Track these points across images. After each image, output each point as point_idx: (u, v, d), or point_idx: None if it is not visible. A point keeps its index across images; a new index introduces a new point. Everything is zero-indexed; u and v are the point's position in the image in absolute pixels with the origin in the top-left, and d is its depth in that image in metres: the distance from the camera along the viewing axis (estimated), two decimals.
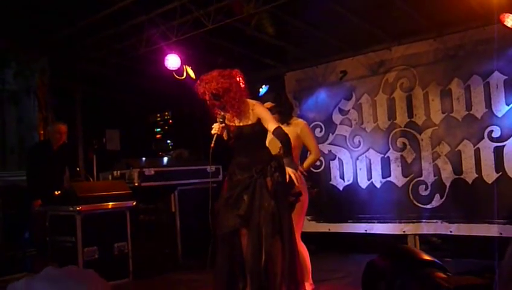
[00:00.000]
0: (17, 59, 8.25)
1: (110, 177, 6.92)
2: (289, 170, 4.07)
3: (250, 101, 4.23)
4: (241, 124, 4.19)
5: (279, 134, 4.18)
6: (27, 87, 8.53)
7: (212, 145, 4.09)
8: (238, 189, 4.11)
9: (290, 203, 4.29)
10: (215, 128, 4.14)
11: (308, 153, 4.98)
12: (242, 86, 4.20)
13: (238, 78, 4.19)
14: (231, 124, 4.22)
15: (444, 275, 1.97)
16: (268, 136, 4.38)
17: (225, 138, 4.17)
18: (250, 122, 4.17)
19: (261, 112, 4.19)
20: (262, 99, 4.66)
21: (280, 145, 4.23)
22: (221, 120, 4.16)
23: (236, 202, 4.11)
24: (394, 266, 0.70)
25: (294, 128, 4.77)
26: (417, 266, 0.72)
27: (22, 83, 8.54)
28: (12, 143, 8.04)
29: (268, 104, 4.65)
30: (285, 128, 4.54)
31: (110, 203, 6.05)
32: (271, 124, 4.18)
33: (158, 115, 8.95)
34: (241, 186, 4.10)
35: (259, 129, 4.19)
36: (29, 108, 8.32)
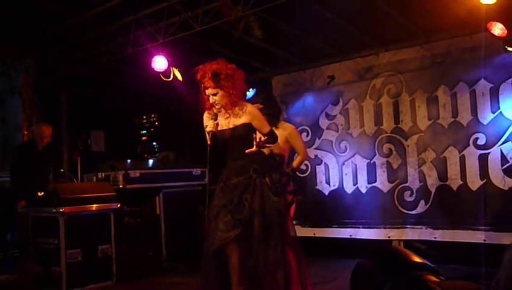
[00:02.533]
0: (2, 59, 8.15)
1: (94, 178, 6.84)
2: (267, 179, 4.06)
3: (243, 102, 4.22)
4: (232, 126, 4.16)
5: (272, 137, 4.17)
6: (11, 88, 8.42)
7: (208, 142, 4.04)
8: (237, 191, 4.03)
9: (290, 200, 4.28)
10: (210, 125, 4.10)
11: (295, 155, 5.00)
12: (242, 85, 4.19)
13: (241, 77, 4.19)
14: (222, 128, 4.17)
15: (436, 279, 1.93)
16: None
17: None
18: (242, 122, 4.14)
19: (254, 113, 4.16)
20: (250, 101, 4.64)
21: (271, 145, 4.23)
22: (213, 117, 4.12)
23: (237, 206, 4.02)
24: (384, 268, 0.68)
25: (283, 132, 4.78)
26: (408, 268, 0.70)
27: (6, 83, 8.43)
28: None
29: (258, 106, 4.64)
30: (275, 131, 4.54)
31: (94, 205, 5.99)
32: (264, 128, 4.17)
33: (144, 117, 8.88)
34: (241, 188, 4.02)
35: (250, 129, 4.16)
36: (13, 109, 8.21)
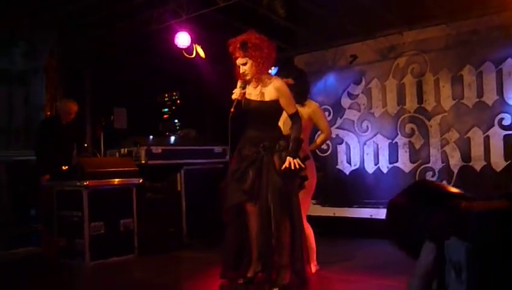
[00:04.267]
0: (26, 38, 8.23)
1: (117, 154, 6.93)
2: (289, 158, 4.07)
3: (273, 76, 4.25)
4: (259, 99, 4.19)
5: (295, 120, 4.19)
6: (35, 68, 8.49)
7: (232, 110, 4.09)
8: (244, 163, 4.15)
9: (298, 184, 4.30)
10: (236, 93, 4.15)
11: (318, 133, 5.01)
12: (271, 56, 4.22)
13: (272, 50, 4.22)
14: (249, 97, 4.22)
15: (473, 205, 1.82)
16: (283, 116, 4.39)
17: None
18: (268, 99, 4.18)
19: (282, 92, 4.19)
20: (282, 75, 4.65)
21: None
22: (242, 85, 4.17)
23: (242, 176, 4.14)
24: (418, 199, 0.67)
25: (307, 110, 4.78)
26: (444, 197, 0.68)
27: (30, 63, 8.50)
28: (19, 124, 8.03)
29: (289, 81, 4.63)
30: (300, 108, 4.54)
31: (117, 180, 6.07)
32: (290, 108, 4.20)
33: (166, 95, 8.92)
34: (248, 161, 4.14)
35: (276, 107, 4.20)
36: (37, 89, 8.28)
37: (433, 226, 0.54)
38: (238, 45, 4.09)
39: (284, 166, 4.06)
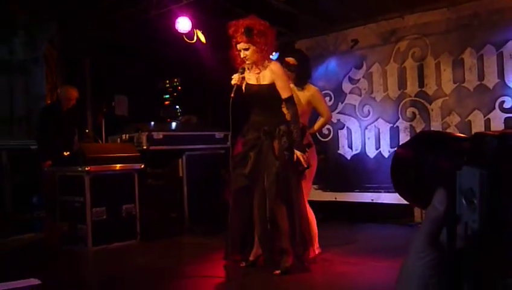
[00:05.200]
0: (26, 28, 8.21)
1: (118, 140, 6.94)
2: (297, 153, 4.11)
3: (272, 60, 4.26)
4: (257, 83, 4.20)
5: (290, 105, 4.19)
6: (36, 57, 8.48)
7: (232, 95, 4.10)
8: (245, 148, 4.19)
9: (298, 171, 4.32)
10: (235, 78, 4.16)
11: (319, 117, 5.00)
12: (273, 42, 4.23)
13: (273, 34, 4.24)
14: (249, 81, 4.23)
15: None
16: None
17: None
18: (267, 83, 4.18)
19: (278, 74, 4.19)
20: (286, 55, 4.66)
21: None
22: (241, 70, 4.18)
23: (243, 160, 4.17)
24: (423, 147, 0.66)
25: (306, 94, 4.77)
26: (449, 142, 0.66)
27: (29, 52, 8.49)
28: (20, 113, 8.03)
29: (291, 60, 4.62)
30: (299, 92, 4.54)
31: (119, 165, 6.08)
32: (285, 91, 4.19)
33: (167, 81, 8.88)
34: (249, 146, 4.18)
35: (274, 90, 4.20)
36: (37, 78, 8.26)
37: (442, 168, 0.54)
38: (242, 30, 4.06)
39: (294, 160, 4.11)
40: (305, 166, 4.21)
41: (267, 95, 4.24)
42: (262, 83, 4.21)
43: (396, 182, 0.71)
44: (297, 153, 4.11)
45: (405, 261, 0.60)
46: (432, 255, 0.57)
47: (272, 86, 4.21)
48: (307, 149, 4.27)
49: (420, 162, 0.65)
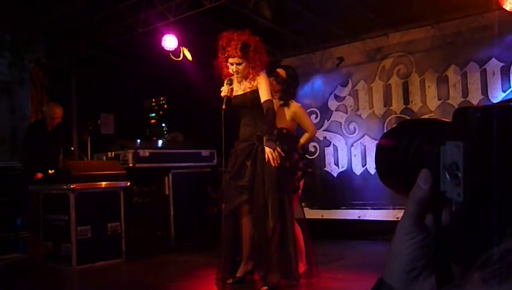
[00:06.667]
0: (12, 48, 8.17)
1: (104, 158, 6.88)
2: (267, 149, 4.04)
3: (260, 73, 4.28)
4: (242, 92, 4.22)
5: (268, 108, 4.17)
6: (21, 78, 8.45)
7: (223, 107, 4.10)
8: (241, 157, 4.14)
9: (293, 189, 4.31)
10: (225, 90, 4.17)
11: (303, 133, 5.00)
12: (265, 58, 4.25)
13: (264, 50, 4.27)
14: (236, 93, 4.25)
15: None
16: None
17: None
18: (250, 90, 4.20)
19: (261, 81, 4.20)
20: (279, 67, 4.70)
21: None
22: (229, 82, 4.18)
23: (240, 170, 4.12)
24: (404, 134, 0.65)
25: (288, 111, 4.78)
26: (430, 125, 0.65)
27: (15, 74, 8.46)
28: (4, 134, 7.97)
29: (282, 72, 4.64)
30: (284, 110, 4.56)
31: (104, 183, 6.02)
32: (265, 94, 4.18)
33: (153, 100, 8.90)
34: (244, 154, 4.14)
35: (257, 96, 4.21)
36: (22, 99, 8.23)
37: (426, 150, 0.54)
38: (238, 45, 4.07)
39: (266, 159, 4.04)
40: (273, 164, 4.13)
41: (255, 101, 4.23)
42: (247, 90, 4.24)
43: (381, 169, 0.71)
44: (267, 149, 4.05)
45: (393, 240, 0.59)
46: (419, 237, 0.56)
47: (256, 92, 4.22)
48: (282, 153, 4.20)
49: (405, 147, 0.65)
